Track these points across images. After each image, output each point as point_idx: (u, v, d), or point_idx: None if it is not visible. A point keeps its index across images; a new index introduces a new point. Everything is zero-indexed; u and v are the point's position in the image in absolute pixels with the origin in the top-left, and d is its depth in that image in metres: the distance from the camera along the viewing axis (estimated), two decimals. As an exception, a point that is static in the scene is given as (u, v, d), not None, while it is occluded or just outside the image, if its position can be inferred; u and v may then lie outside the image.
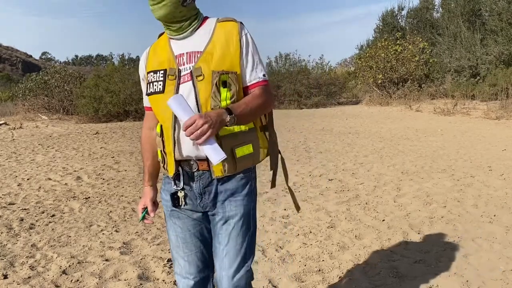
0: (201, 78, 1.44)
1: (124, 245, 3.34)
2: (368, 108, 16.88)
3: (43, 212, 4.25)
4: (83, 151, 8.13)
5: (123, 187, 5.21)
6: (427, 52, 18.25)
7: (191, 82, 1.46)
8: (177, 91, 1.46)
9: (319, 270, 2.83)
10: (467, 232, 3.41)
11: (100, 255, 3.16)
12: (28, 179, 5.75)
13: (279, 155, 1.68)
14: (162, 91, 1.49)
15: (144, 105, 1.70)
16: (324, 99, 18.80)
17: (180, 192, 1.56)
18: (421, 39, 18.45)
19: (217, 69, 1.43)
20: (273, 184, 1.77)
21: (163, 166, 1.61)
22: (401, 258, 2.97)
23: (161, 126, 1.56)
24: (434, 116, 12.71)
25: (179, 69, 1.48)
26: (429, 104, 15.18)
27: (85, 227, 3.81)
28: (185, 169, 1.54)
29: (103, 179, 5.67)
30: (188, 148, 1.49)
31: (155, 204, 1.77)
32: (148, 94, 1.57)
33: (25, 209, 4.39)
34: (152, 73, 1.54)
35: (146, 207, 1.75)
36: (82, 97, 15.14)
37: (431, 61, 18.09)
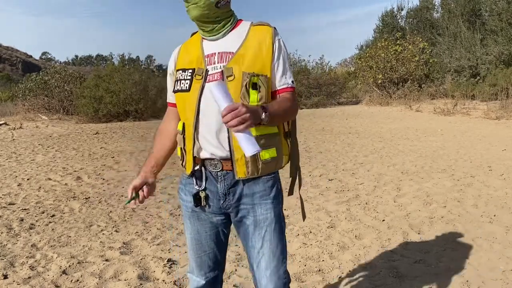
0: (231, 78, 1.45)
1: (124, 245, 3.34)
2: (368, 108, 16.88)
3: (43, 212, 4.25)
4: (83, 151, 8.13)
5: (123, 187, 5.21)
6: (427, 52, 18.26)
7: None
8: (202, 91, 1.47)
9: (319, 270, 2.83)
10: (467, 232, 3.41)
11: (100, 255, 3.16)
12: (28, 179, 5.74)
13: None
14: (188, 90, 1.51)
15: (168, 101, 1.70)
16: (324, 99, 18.80)
17: (202, 192, 1.56)
18: (421, 39, 18.45)
19: (248, 70, 1.44)
20: (290, 192, 1.75)
21: (182, 164, 1.60)
22: (401, 258, 2.97)
23: (183, 124, 1.56)
24: (434, 116, 12.72)
25: (206, 69, 1.49)
26: (429, 104, 15.18)
27: (85, 227, 3.80)
28: (209, 169, 1.53)
29: (103, 179, 5.67)
30: (211, 147, 1.49)
31: (138, 188, 1.62)
32: (175, 92, 1.58)
33: (25, 209, 4.38)
34: (181, 71, 1.55)
35: (138, 192, 1.62)
36: (82, 97, 15.14)
37: (431, 61, 18.09)
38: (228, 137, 1.46)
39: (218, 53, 1.50)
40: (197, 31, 1.60)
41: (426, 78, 18.13)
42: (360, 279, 2.70)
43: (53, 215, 4.16)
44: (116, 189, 5.13)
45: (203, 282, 1.69)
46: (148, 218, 4.02)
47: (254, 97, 1.44)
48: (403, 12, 21.67)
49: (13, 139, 10.22)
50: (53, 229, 3.77)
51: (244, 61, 1.46)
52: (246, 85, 1.42)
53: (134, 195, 1.60)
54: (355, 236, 3.41)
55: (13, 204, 4.59)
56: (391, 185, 4.93)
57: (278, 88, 1.52)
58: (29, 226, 3.85)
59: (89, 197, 4.79)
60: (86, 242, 3.43)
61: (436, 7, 20.68)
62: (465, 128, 9.73)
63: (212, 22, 1.50)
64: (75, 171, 6.22)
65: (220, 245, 1.68)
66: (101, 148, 8.49)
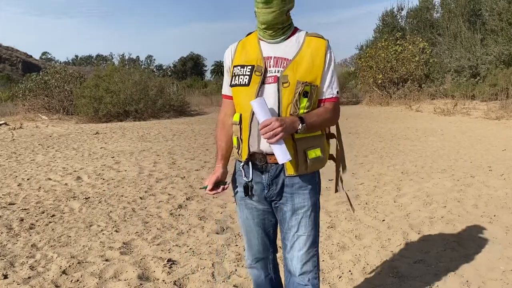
0: (286, 85, 1.60)
1: (124, 245, 3.34)
2: (368, 108, 16.88)
3: (43, 212, 4.25)
4: (83, 151, 8.13)
5: (123, 187, 5.21)
6: (427, 52, 18.26)
7: (275, 85, 1.61)
8: (260, 87, 1.62)
9: (319, 270, 2.82)
10: (467, 232, 3.41)
11: (100, 255, 3.16)
12: (28, 179, 5.75)
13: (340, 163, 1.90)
14: (247, 84, 1.64)
15: (224, 93, 1.84)
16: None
17: (250, 183, 1.73)
18: (421, 39, 18.45)
19: (302, 79, 1.59)
20: (337, 190, 1.97)
21: (238, 152, 1.75)
22: (401, 258, 2.97)
23: (240, 115, 1.70)
24: (434, 116, 12.72)
25: (266, 68, 1.64)
26: (429, 104, 15.18)
27: (85, 227, 3.80)
28: (256, 162, 1.70)
29: (103, 179, 5.67)
30: (261, 142, 1.65)
31: (220, 182, 1.84)
32: (232, 86, 1.72)
33: (25, 209, 4.38)
34: (239, 67, 1.69)
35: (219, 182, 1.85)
36: (82, 97, 15.15)
37: (431, 61, 18.09)
38: None
39: (274, 57, 1.64)
40: (253, 32, 1.76)
41: (426, 78, 18.13)
42: (360, 279, 2.70)
43: (53, 215, 4.16)
44: (116, 189, 5.13)
45: (254, 263, 1.92)
46: (148, 218, 4.02)
47: (303, 104, 1.61)
48: (403, 12, 21.73)
49: (13, 139, 10.22)
50: (53, 229, 3.77)
51: (298, 69, 1.60)
52: (299, 93, 1.59)
53: (207, 185, 1.81)
54: (355, 236, 3.41)
55: (13, 204, 4.59)
56: (391, 185, 4.93)
57: (324, 98, 1.68)
58: (29, 226, 3.85)
59: (89, 197, 4.79)
60: (86, 242, 3.43)
61: (436, 7, 20.72)
62: (465, 128, 9.73)
63: (277, 28, 1.64)
64: (75, 171, 6.22)
65: (267, 231, 1.86)
66: (101, 148, 8.49)
